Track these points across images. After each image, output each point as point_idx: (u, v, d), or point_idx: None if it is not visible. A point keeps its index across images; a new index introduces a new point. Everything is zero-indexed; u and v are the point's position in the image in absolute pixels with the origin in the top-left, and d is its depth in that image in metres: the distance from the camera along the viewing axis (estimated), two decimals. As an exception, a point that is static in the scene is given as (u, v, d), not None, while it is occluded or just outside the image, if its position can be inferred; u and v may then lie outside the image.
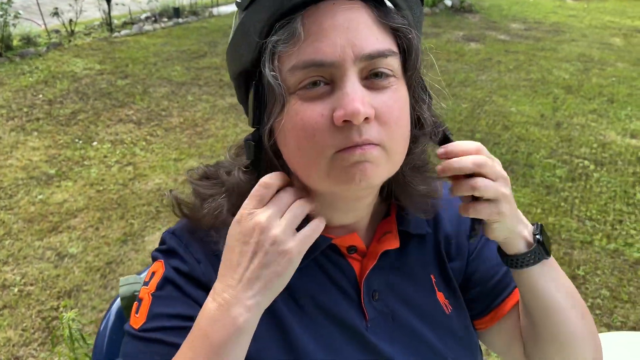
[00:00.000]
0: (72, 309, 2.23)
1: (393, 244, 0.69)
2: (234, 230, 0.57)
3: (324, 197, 0.63)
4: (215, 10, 7.83)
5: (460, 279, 0.77)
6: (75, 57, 5.46)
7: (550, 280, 0.66)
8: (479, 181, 0.59)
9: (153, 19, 7.08)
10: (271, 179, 0.58)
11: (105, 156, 3.52)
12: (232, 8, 6.72)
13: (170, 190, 0.70)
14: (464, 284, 0.77)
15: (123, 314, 0.88)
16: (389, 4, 0.59)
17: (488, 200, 0.60)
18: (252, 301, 0.55)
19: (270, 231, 0.55)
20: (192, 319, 0.58)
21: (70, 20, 6.04)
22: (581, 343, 0.68)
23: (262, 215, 0.55)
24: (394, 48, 0.58)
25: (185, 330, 0.58)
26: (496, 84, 5.04)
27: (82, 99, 4.44)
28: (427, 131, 0.63)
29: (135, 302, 0.66)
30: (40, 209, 2.92)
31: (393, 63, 0.57)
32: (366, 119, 0.54)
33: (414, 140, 0.62)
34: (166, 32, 6.63)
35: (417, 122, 0.63)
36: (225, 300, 0.55)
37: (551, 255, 0.66)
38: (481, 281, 0.76)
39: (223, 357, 0.54)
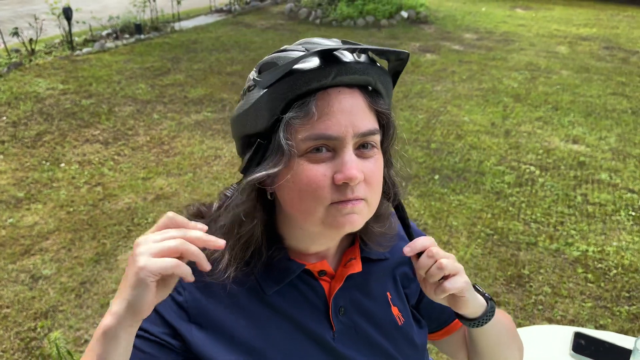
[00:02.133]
0: (49, 329, 2.32)
1: (357, 268, 0.86)
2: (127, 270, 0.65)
3: (310, 232, 0.79)
4: (177, 25, 7.90)
5: (415, 300, 0.94)
6: (37, 76, 5.47)
7: (493, 329, 0.86)
8: (443, 261, 0.76)
9: (114, 35, 7.11)
10: (175, 215, 0.66)
11: (73, 177, 3.59)
12: (194, 22, 6.82)
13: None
14: (418, 304, 0.94)
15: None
16: (376, 90, 0.76)
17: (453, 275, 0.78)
18: (117, 308, 0.62)
19: (136, 248, 0.62)
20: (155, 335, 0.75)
21: (31, 40, 6.03)
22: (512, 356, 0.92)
23: (142, 237, 0.64)
24: (378, 126, 0.75)
25: (149, 341, 0.74)
26: (450, 94, 5.31)
27: (47, 119, 4.48)
28: (390, 190, 0.83)
29: None
30: (11, 232, 2.99)
31: (377, 138, 0.75)
32: (358, 182, 0.72)
33: (383, 192, 0.80)
34: (128, 48, 6.68)
35: (384, 181, 0.81)
36: (106, 314, 0.66)
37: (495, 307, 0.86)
38: (431, 307, 0.93)
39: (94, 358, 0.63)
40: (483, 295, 0.84)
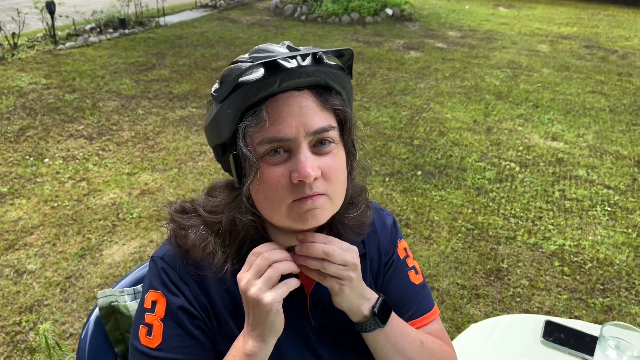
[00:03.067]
0: (34, 323, 2.33)
1: None
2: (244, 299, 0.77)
3: (282, 228, 0.83)
4: (162, 20, 7.86)
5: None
6: (20, 71, 5.42)
7: (387, 344, 0.86)
8: (325, 263, 0.78)
9: (98, 30, 7.06)
10: (258, 249, 0.77)
11: (57, 172, 3.59)
12: (179, 17, 6.81)
13: (169, 222, 0.88)
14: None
15: (101, 322, 1.05)
16: (328, 88, 0.80)
17: (334, 277, 0.80)
18: (259, 339, 0.77)
19: (249, 292, 0.74)
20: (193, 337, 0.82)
21: (13, 34, 5.97)
22: None
23: (244, 279, 0.75)
24: (334, 123, 0.79)
25: (191, 347, 0.81)
26: (433, 92, 5.38)
27: (30, 114, 4.45)
28: (355, 180, 0.88)
29: (143, 326, 0.84)
30: (-6, 227, 2.98)
31: (333, 134, 0.79)
32: (315, 178, 0.75)
33: (347, 187, 0.85)
34: (112, 43, 6.64)
35: (350, 172, 0.86)
36: (247, 338, 0.78)
37: (387, 324, 0.85)
38: (391, 298, 0.95)
39: None
40: (380, 307, 0.84)
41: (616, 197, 3.49)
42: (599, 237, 3.07)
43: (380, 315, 0.84)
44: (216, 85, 0.80)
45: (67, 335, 2.29)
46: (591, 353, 1.20)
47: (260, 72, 0.74)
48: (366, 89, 5.38)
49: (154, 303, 0.84)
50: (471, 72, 6.08)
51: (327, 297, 0.88)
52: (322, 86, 0.79)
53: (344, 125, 0.82)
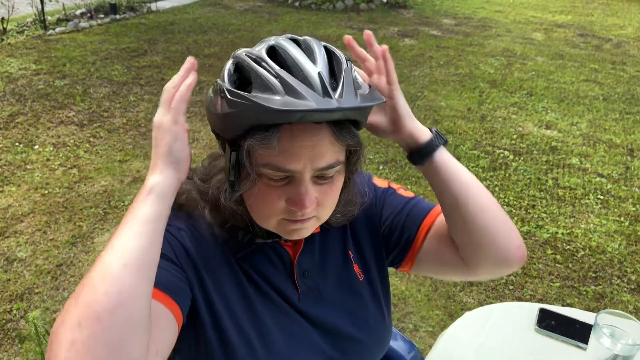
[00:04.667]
0: (25, 311, 2.31)
1: (314, 230, 0.89)
2: (152, 135, 0.76)
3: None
4: (153, 6, 7.76)
5: (382, 236, 0.96)
6: (9, 56, 5.34)
7: (455, 162, 0.86)
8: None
9: (89, 15, 6.96)
10: (168, 85, 0.77)
11: (48, 159, 3.54)
12: (171, 3, 6.71)
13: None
14: (386, 237, 0.96)
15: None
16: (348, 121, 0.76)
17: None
18: (158, 170, 0.73)
19: (154, 121, 0.74)
20: (165, 257, 0.77)
21: (2, 18, 5.87)
22: (497, 215, 0.85)
23: (159, 116, 0.75)
24: (342, 157, 0.77)
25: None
26: (428, 79, 5.35)
27: (20, 100, 4.39)
28: (352, 198, 0.88)
29: None
30: (-16, 215, 2.94)
31: (338, 168, 0.78)
32: None
33: (339, 201, 0.84)
34: (103, 29, 6.55)
35: (345, 188, 0.85)
36: (150, 173, 0.74)
37: (447, 142, 0.86)
38: (395, 224, 0.95)
39: (133, 210, 0.69)
40: (430, 129, 0.87)
41: (609, 186, 3.50)
42: (591, 225, 3.08)
43: (438, 133, 0.86)
44: (227, 79, 0.74)
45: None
46: (585, 341, 1.20)
47: (272, 108, 0.68)
48: (360, 76, 5.34)
49: None
50: (465, 60, 6.05)
51: (311, 264, 0.90)
52: (342, 120, 0.75)
53: (352, 157, 0.81)
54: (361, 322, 0.92)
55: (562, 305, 2.48)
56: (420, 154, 0.85)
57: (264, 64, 0.72)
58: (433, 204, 0.97)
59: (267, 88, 0.69)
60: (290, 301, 0.87)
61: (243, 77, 0.75)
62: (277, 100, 0.67)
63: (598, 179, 3.59)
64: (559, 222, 3.09)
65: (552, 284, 2.60)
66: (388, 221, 0.96)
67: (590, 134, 4.28)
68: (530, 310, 1.32)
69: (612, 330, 1.07)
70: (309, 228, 0.81)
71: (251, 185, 0.76)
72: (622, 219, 3.15)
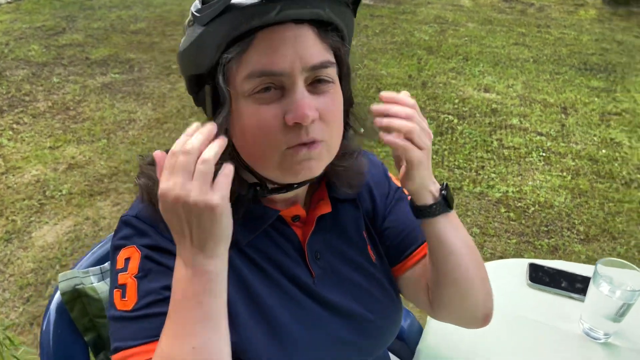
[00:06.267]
0: (-38, 318, 2.08)
1: (325, 209, 0.82)
2: (163, 207, 0.60)
3: (270, 179, 0.73)
4: (66, -20, 7.17)
5: (380, 231, 0.90)
6: None
7: (451, 230, 0.79)
8: (414, 126, 0.70)
9: (-6, -9, 6.33)
10: (175, 147, 0.60)
11: (-34, 151, 3.20)
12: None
13: (139, 176, 0.74)
14: (379, 237, 0.91)
15: (64, 309, 0.91)
16: (329, 23, 0.69)
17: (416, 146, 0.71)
18: (211, 253, 0.60)
19: (189, 199, 0.57)
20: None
21: None
22: (474, 285, 0.82)
23: (176, 187, 0.58)
24: (332, 59, 0.69)
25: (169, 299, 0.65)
26: (366, 48, 5.32)
27: None
28: (353, 127, 0.78)
29: (117, 290, 0.70)
30: None
31: (331, 72, 0.69)
32: (312, 120, 0.65)
33: (344, 135, 0.75)
34: (13, 6, 5.98)
35: (347, 121, 0.76)
36: (190, 260, 0.61)
37: (453, 210, 0.80)
38: (393, 235, 0.90)
39: (204, 305, 0.60)
40: (442, 186, 0.79)
41: (549, 143, 3.64)
42: (537, 182, 3.19)
43: (446, 199, 0.78)
44: (197, 4, 0.66)
45: (3, 327, 2.06)
46: (578, 292, 1.20)
47: None
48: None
49: (127, 260, 0.71)
50: (400, 27, 6.07)
51: (322, 244, 0.81)
52: (323, 21, 0.68)
53: (341, 65, 0.72)
54: (376, 305, 0.85)
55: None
56: (419, 213, 0.79)
57: None
58: None
59: None
60: (305, 286, 0.79)
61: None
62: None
63: (538, 137, 3.71)
64: (508, 181, 3.17)
65: (509, 241, 2.67)
66: (390, 228, 0.89)
67: (526, 95, 4.42)
68: (517, 266, 1.31)
69: (610, 278, 1.07)
70: (319, 158, 0.68)
71: (238, 114, 0.66)
72: (564, 174, 3.28)
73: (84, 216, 2.70)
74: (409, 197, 0.81)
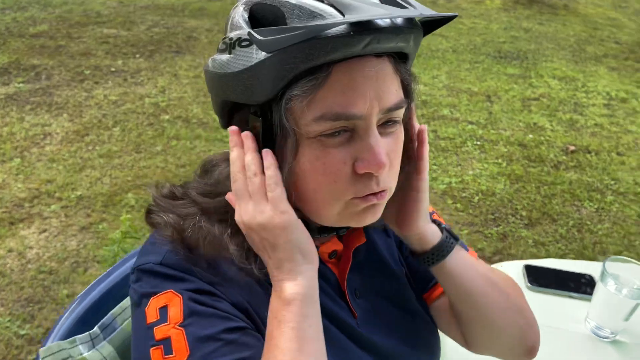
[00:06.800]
0: None
1: (360, 239, 0.74)
2: (253, 237, 0.60)
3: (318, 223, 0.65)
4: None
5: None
6: None
7: (465, 267, 0.73)
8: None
9: None
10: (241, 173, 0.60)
11: None
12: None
13: (155, 212, 0.65)
14: (406, 265, 0.84)
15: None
16: (404, 55, 0.60)
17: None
18: (293, 273, 0.59)
19: (274, 221, 0.58)
20: (236, 329, 0.58)
21: None
22: (506, 321, 0.76)
23: (259, 214, 0.58)
24: (404, 98, 0.60)
25: (235, 344, 0.56)
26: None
27: None
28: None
29: (155, 348, 0.57)
30: None
31: (401, 113, 0.61)
32: None
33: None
34: None
35: None
36: (277, 290, 0.59)
37: (459, 240, 0.74)
38: (411, 271, 0.83)
39: (298, 331, 0.56)
40: (439, 226, 0.74)
41: (480, 132, 3.75)
42: (477, 170, 3.28)
43: (450, 232, 0.73)
44: (244, 21, 0.57)
45: None
46: (581, 291, 1.20)
47: (336, 22, 0.51)
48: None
49: (163, 310, 0.59)
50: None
51: (360, 281, 0.74)
52: (404, 52, 0.60)
53: (409, 102, 0.64)
54: (420, 340, 0.78)
55: (475, 250, 2.60)
56: (428, 259, 0.72)
57: None
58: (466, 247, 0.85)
59: (312, 15, 0.53)
60: (349, 329, 0.70)
61: (259, 26, 0.57)
62: (338, 22, 0.51)
63: (470, 126, 3.82)
64: (449, 172, 3.23)
65: (461, 232, 2.71)
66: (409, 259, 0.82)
67: (451, 85, 4.54)
68: (513, 268, 1.30)
69: (617, 276, 1.07)
70: (384, 204, 0.63)
71: (298, 156, 0.58)
72: (499, 160, 3.40)
73: (6, 248, 2.40)
74: (410, 248, 0.74)
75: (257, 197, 0.58)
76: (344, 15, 0.52)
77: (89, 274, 2.29)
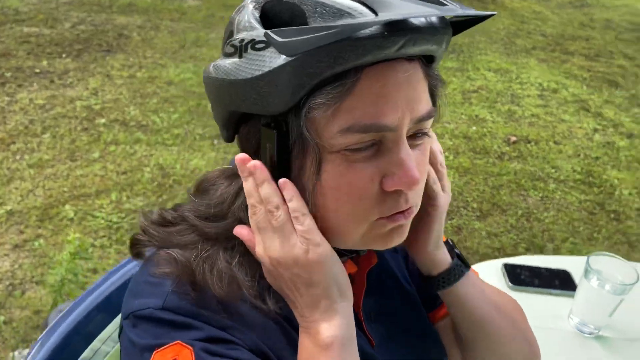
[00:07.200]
0: None
1: (373, 260, 0.68)
2: (282, 273, 0.53)
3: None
4: None
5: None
6: None
7: (475, 293, 0.70)
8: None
9: None
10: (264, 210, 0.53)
11: None
12: None
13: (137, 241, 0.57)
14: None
15: None
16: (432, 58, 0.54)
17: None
18: (331, 312, 0.53)
19: (308, 255, 0.52)
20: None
21: None
22: (512, 346, 0.74)
23: (290, 249, 0.51)
24: (433, 106, 0.54)
25: None
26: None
27: None
28: None
29: None
30: None
31: (430, 123, 0.55)
32: None
33: None
34: None
35: None
36: (311, 332, 0.53)
37: (470, 268, 0.71)
38: (417, 288, 0.79)
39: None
40: (452, 251, 0.71)
41: (425, 125, 3.79)
42: (426, 164, 3.30)
43: (461, 257, 0.70)
44: (256, 20, 0.49)
45: None
46: (561, 287, 1.20)
47: (370, 21, 0.44)
48: (154, 43, 4.79)
49: None
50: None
51: (374, 304, 0.70)
52: (435, 55, 0.53)
53: (436, 110, 0.59)
54: None
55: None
56: (436, 284, 0.69)
57: None
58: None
59: (339, 14, 0.45)
60: (366, 356, 0.64)
61: (273, 26, 0.49)
62: (373, 21, 0.44)
63: (415, 120, 3.85)
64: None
65: (416, 228, 2.71)
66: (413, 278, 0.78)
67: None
68: (491, 268, 1.28)
69: (600, 272, 1.07)
70: (409, 225, 0.58)
71: (318, 171, 0.51)
72: (447, 153, 3.44)
73: None
74: (419, 272, 0.71)
75: (285, 230, 0.51)
76: (376, 14, 0.45)
77: (27, 297, 2.09)
